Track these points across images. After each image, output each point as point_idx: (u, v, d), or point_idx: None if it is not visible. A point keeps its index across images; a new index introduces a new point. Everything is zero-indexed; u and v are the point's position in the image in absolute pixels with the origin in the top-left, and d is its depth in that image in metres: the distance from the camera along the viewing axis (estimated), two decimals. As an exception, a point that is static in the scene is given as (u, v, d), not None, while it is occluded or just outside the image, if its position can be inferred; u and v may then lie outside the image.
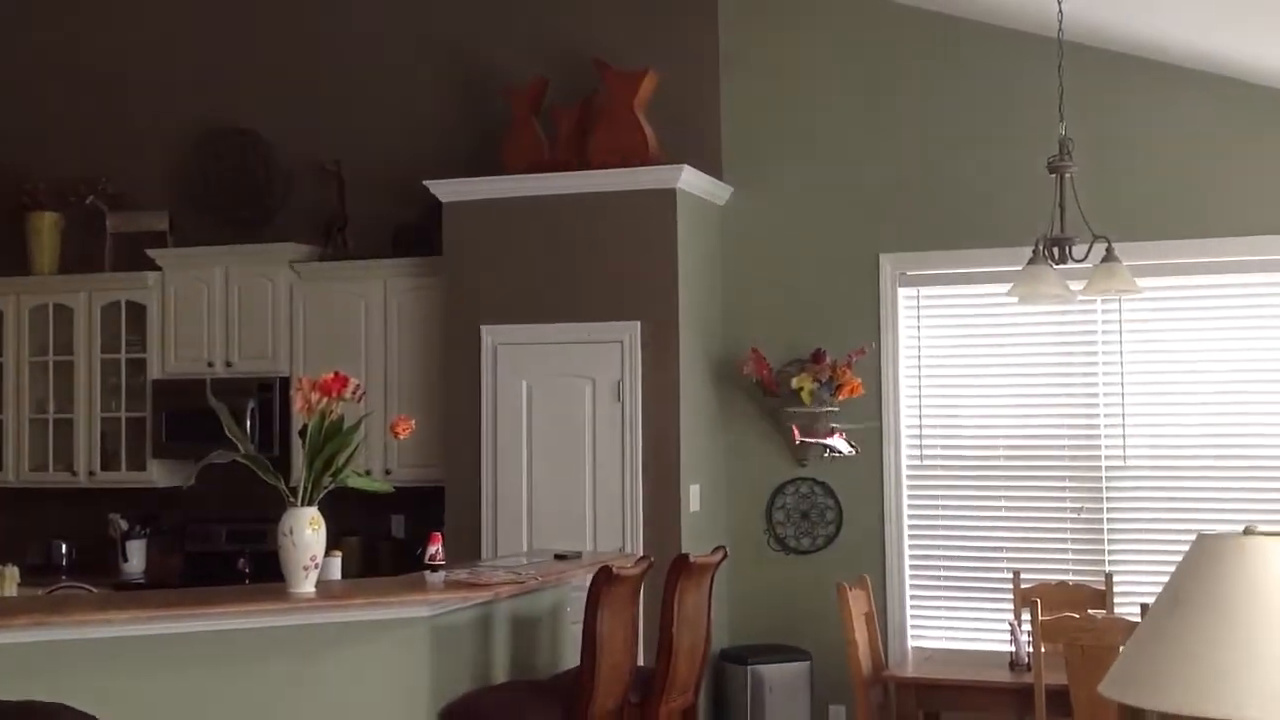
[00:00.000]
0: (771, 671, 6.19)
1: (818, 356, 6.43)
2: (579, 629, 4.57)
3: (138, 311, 7.23)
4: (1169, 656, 2.19)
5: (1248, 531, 2.23)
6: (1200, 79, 6.10)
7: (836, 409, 6.40)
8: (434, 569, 4.81)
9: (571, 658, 4.98)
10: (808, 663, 6.27)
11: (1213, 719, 2.12)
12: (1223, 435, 6.07)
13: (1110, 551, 6.19)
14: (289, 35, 7.45)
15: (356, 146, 7.18)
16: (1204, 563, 2.22)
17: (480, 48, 7.10)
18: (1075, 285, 5.33)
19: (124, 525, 7.19)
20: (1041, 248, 5.19)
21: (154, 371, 7.17)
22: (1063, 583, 5.92)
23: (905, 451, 6.50)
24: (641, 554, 5.61)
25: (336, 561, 4.86)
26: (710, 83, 6.75)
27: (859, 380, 6.35)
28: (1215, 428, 6.09)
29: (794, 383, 6.42)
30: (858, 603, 5.27)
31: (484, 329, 6.47)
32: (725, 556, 5.41)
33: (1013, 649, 5.34)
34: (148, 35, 7.66)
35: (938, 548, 6.47)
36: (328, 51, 7.38)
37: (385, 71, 7.27)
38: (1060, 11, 5.35)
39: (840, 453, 6.42)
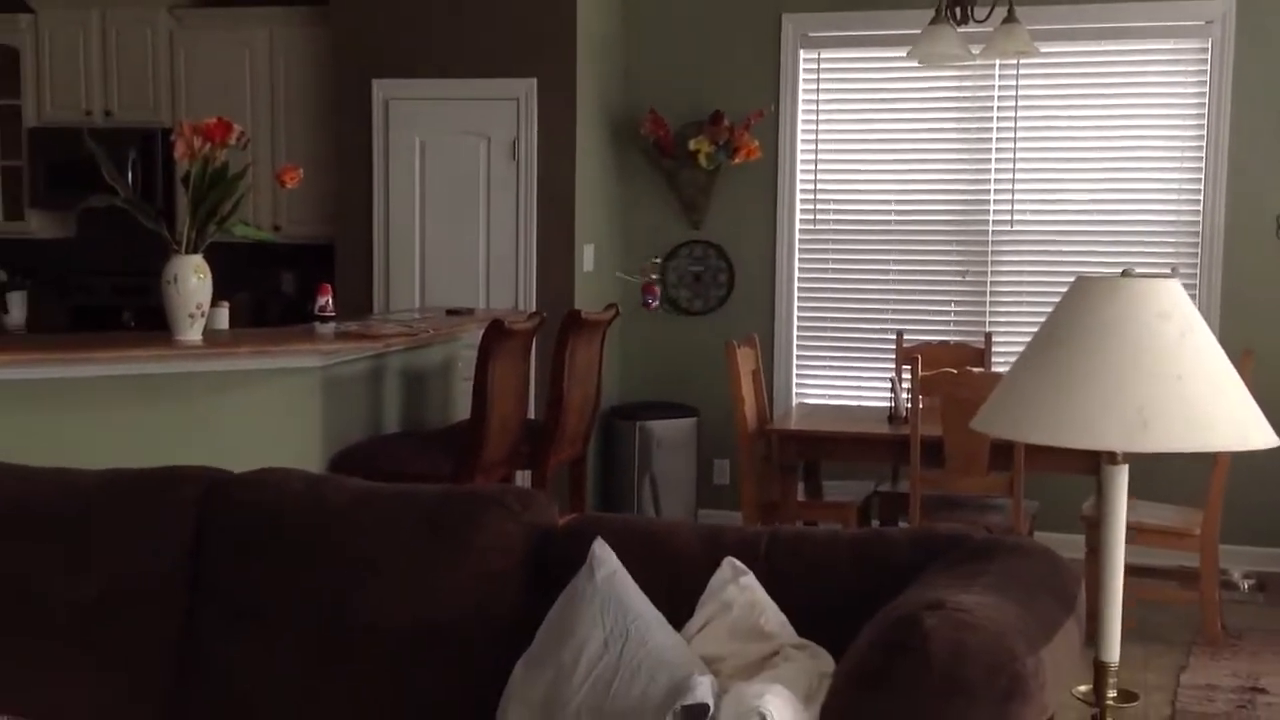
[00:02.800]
0: (660, 427, 6.32)
1: (716, 119, 6.37)
2: (470, 385, 4.60)
3: (10, 56, 6.89)
4: (1040, 392, 2.26)
5: (1125, 274, 2.29)
6: None
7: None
8: (324, 320, 4.78)
9: (463, 412, 5.04)
10: (695, 419, 6.41)
11: (1076, 448, 2.22)
12: (1103, 200, 6.18)
13: (992, 313, 6.35)
14: None
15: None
16: (1081, 303, 2.27)
17: None
18: (976, 47, 5.31)
19: (3, 276, 7.01)
20: (943, 7, 5.15)
21: (29, 119, 6.90)
22: (944, 343, 6.10)
23: (799, 215, 6.54)
24: (534, 310, 5.64)
25: (224, 311, 4.80)
26: None
27: (756, 143, 6.32)
28: (1098, 193, 6.19)
29: (691, 144, 6.38)
30: (745, 361, 5.36)
31: (375, 83, 6.28)
32: (617, 314, 5.45)
33: (892, 404, 5.51)
34: None
35: (826, 309, 6.58)
36: None
37: None
38: None
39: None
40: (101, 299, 6.99)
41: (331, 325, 4.75)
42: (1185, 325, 2.20)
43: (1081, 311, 2.25)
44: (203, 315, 4.29)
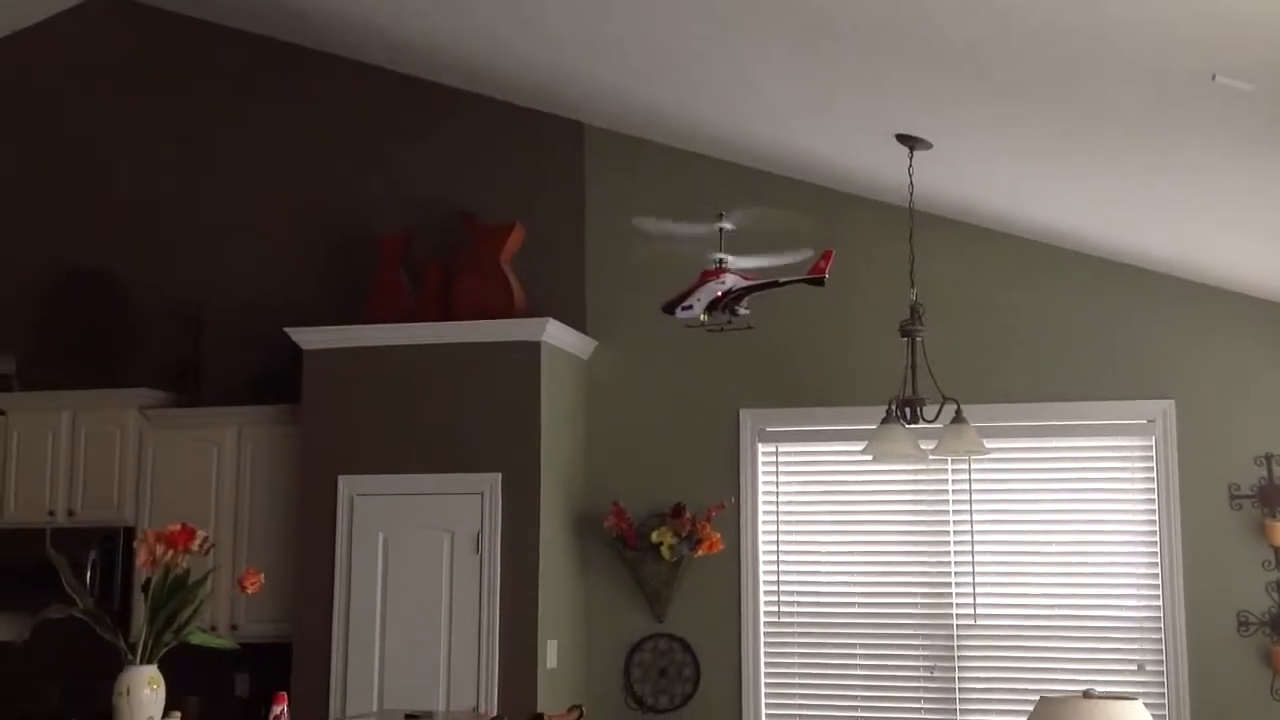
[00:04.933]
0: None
1: (677, 511, 6.45)
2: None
3: (-22, 457, 6.96)
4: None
5: (1087, 695, 2.28)
6: (1043, 250, 6.38)
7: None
8: (278, 731, 4.63)
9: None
10: (665, 825, 6.15)
11: None
12: (1065, 596, 6.21)
13: (962, 711, 6.23)
14: (149, 176, 7.39)
15: (217, 291, 7.12)
16: (1046, 727, 2.25)
17: (347, 197, 7.14)
18: (927, 445, 5.46)
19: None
20: (894, 408, 5.33)
21: (-9, 520, 6.89)
22: (917, 743, 5.95)
23: (763, 607, 6.51)
24: (496, 713, 5.50)
25: (174, 723, 4.65)
26: (576, 237, 6.86)
27: (718, 535, 6.38)
28: (1059, 588, 6.23)
29: (654, 537, 6.43)
30: (715, 763, 5.20)
31: (341, 479, 6.36)
32: (581, 716, 5.32)
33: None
34: (2, 171, 7.55)
35: (794, 705, 6.44)
36: (189, 194, 7.33)
37: (249, 217, 7.25)
38: (911, 183, 5.58)
39: None
40: (49, 704, 6.77)
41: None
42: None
43: (1048, 737, 2.23)
44: (152, 728, 4.17)
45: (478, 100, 7.00)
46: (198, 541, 4.29)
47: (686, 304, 5.45)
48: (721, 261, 5.43)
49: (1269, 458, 6.07)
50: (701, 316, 5.45)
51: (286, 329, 6.51)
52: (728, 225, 5.38)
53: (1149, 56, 3.90)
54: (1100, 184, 5.50)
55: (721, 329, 5.51)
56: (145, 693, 4.14)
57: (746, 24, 4.76)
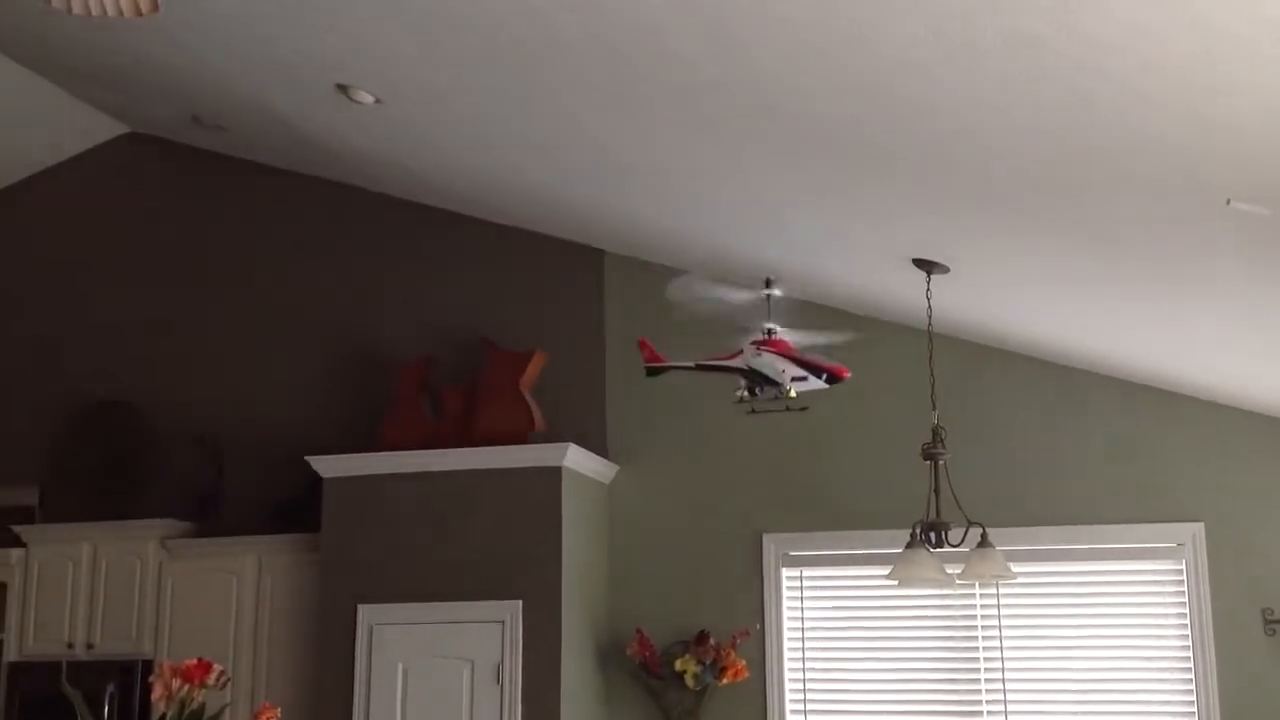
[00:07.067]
0: None
1: (701, 638, 6.36)
2: None
3: (-1, 589, 6.94)
4: None
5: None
6: (1064, 372, 6.36)
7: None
8: None
9: None
10: None
11: None
12: (1099, 716, 6.07)
13: (998, 842, 6.07)
14: (167, 306, 7.47)
15: (237, 420, 7.14)
16: None
17: (368, 324, 7.19)
18: (953, 569, 5.39)
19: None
20: (918, 532, 5.27)
21: (10, 653, 6.85)
22: None
23: (791, 738, 6.39)
24: None
25: None
26: (597, 365, 6.88)
27: (743, 662, 6.28)
28: (1091, 716, 6.09)
29: (677, 665, 6.33)
30: None
31: (360, 608, 6.31)
32: None
33: None
34: (18, 301, 7.63)
35: (825, 839, 6.29)
36: (207, 323, 7.40)
37: (268, 345, 7.30)
38: (930, 306, 5.59)
39: None
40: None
41: None
42: None
43: None
44: None
45: (498, 228, 7.08)
46: (214, 675, 4.25)
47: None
48: (770, 332, 5.20)
49: (1302, 581, 5.97)
50: (740, 393, 5.26)
51: (307, 457, 6.51)
52: (776, 291, 5.16)
53: (1163, 179, 3.92)
54: (1119, 307, 5.50)
55: (754, 410, 5.28)
56: (158, 834, 4.05)
57: (760, 151, 4.81)
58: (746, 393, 5.33)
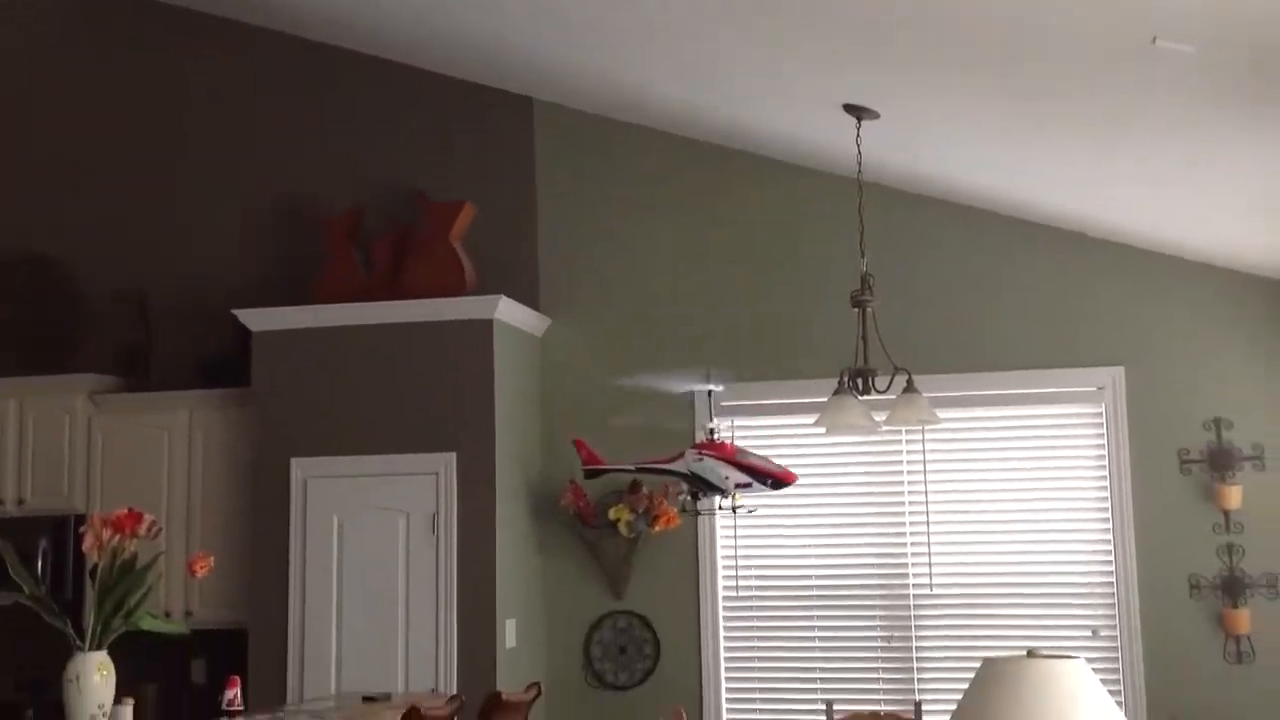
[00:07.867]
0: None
1: (634, 487, 6.43)
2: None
3: (-76, 449, 6.86)
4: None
5: (1030, 654, 2.29)
6: (991, 219, 6.40)
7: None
8: (232, 715, 4.60)
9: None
10: (626, 801, 6.16)
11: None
12: (1019, 563, 6.26)
13: (920, 680, 6.28)
14: (91, 158, 7.29)
15: (165, 276, 7.04)
16: (990, 685, 2.26)
17: (296, 177, 7.06)
18: (880, 416, 5.47)
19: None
20: (846, 379, 5.33)
21: (-62, 510, 6.80)
22: (874, 713, 5.96)
23: (721, 582, 6.52)
24: (454, 693, 5.48)
25: (128, 710, 4.59)
26: (528, 216, 6.83)
27: (675, 510, 6.37)
28: (1013, 555, 6.28)
29: (611, 513, 6.42)
30: (674, 737, 5.20)
31: (294, 461, 6.31)
32: (539, 694, 5.31)
33: (826, 780, 5.34)
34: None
35: (754, 680, 6.46)
36: (132, 176, 7.23)
37: (196, 198, 7.16)
38: (859, 154, 5.58)
39: None
40: (3, 694, 6.70)
41: (239, 720, 4.57)
42: (1095, 706, 2.18)
43: (989, 694, 2.23)
44: (104, 715, 4.13)
45: (427, 77, 6.94)
46: (145, 525, 4.26)
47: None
48: (713, 433, 5.42)
49: (1218, 422, 6.12)
50: (683, 498, 5.70)
51: (234, 310, 6.45)
52: (717, 387, 5.34)
53: (1089, 21, 3.90)
54: (1047, 153, 5.52)
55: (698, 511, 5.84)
56: (95, 679, 4.10)
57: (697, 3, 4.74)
58: (690, 497, 5.57)
